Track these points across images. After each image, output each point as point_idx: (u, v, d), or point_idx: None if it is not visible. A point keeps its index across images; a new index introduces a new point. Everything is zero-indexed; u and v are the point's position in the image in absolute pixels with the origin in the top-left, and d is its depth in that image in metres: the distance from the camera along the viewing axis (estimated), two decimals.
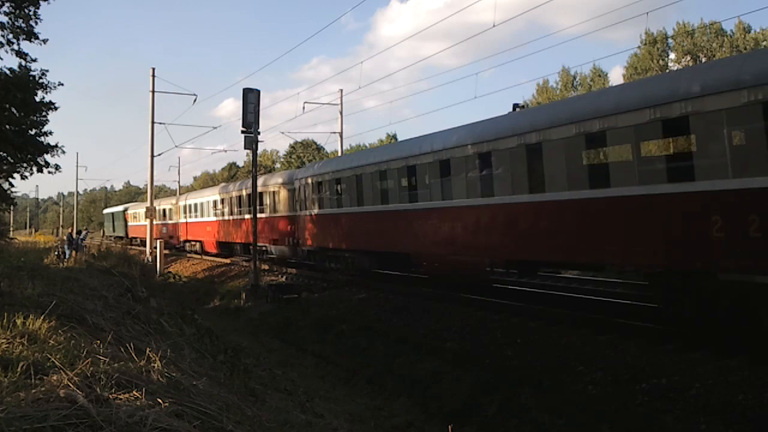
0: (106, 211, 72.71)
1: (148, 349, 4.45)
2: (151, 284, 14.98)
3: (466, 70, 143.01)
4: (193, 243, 35.79)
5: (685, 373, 7.39)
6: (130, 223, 52.73)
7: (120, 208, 61.03)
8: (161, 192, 75.04)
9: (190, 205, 36.15)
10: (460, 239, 13.30)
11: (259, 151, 20.76)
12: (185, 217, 36.77)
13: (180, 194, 52.25)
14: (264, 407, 5.07)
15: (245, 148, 19.23)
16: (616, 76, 59.41)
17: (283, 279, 21.47)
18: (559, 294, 13.21)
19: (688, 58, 47.41)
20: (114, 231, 60.07)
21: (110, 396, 3.27)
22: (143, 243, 44.59)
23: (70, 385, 3.26)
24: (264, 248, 24.68)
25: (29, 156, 23.34)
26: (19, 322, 4.94)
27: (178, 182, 60.78)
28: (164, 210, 41.92)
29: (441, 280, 15.19)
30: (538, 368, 8.65)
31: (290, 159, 75.30)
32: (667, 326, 9.13)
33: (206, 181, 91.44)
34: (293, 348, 12.75)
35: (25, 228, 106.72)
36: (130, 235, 52.26)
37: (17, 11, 20.71)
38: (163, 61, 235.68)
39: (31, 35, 21.32)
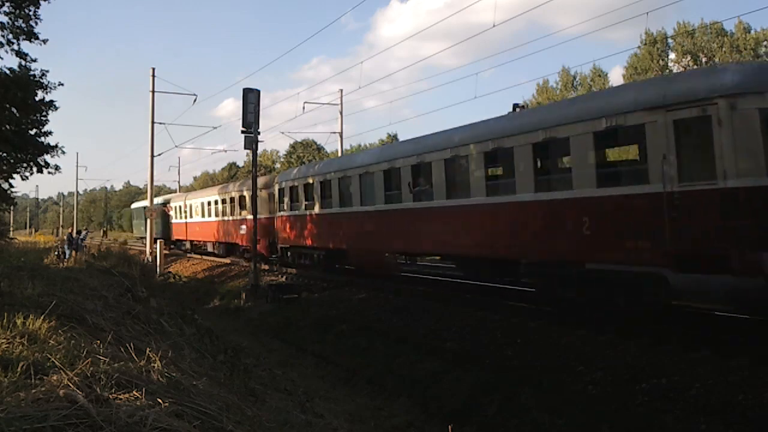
0: (135, 205, 56.09)
1: (148, 349, 4.45)
2: (151, 284, 14.97)
3: (466, 70, 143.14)
4: (306, 251, 20.98)
5: (685, 373, 7.39)
6: (176, 220, 38.84)
7: (157, 200, 45.86)
8: (161, 191, 74.17)
9: (303, 186, 20.77)
10: None
11: (259, 151, 20.69)
12: (289, 208, 22.12)
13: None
14: (264, 407, 5.07)
15: (245, 148, 19.25)
16: (616, 76, 59.47)
17: (283, 279, 21.45)
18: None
19: (689, 58, 47.43)
20: (146, 231, 47.31)
21: (110, 396, 3.27)
22: (196, 248, 34.81)
23: (70, 385, 3.26)
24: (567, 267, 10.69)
25: (29, 156, 23.38)
26: (19, 322, 4.94)
27: (178, 182, 60.84)
28: (239, 198, 26.99)
29: None
30: (538, 368, 8.65)
31: (290, 159, 75.41)
32: (667, 326, 9.13)
33: (206, 181, 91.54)
34: (293, 348, 12.75)
35: (25, 228, 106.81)
36: (174, 237, 38.88)
37: (17, 11, 20.74)
38: (163, 61, 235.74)
39: (31, 35, 21.35)
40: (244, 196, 25.90)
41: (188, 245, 36.47)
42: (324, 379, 10.33)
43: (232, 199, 28.10)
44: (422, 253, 16.78)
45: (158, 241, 29.33)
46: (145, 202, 45.29)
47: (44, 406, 2.99)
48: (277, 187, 23.23)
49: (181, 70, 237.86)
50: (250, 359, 8.58)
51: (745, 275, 7.84)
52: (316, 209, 19.71)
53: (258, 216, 23.00)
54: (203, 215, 32.66)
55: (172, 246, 38.86)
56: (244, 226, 25.70)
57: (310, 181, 20.30)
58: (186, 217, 36.08)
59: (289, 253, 22.53)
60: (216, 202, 30.50)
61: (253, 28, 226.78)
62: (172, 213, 38.90)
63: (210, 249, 32.47)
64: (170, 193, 54.12)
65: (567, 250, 10.38)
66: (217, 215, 30.24)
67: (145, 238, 41.25)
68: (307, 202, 20.55)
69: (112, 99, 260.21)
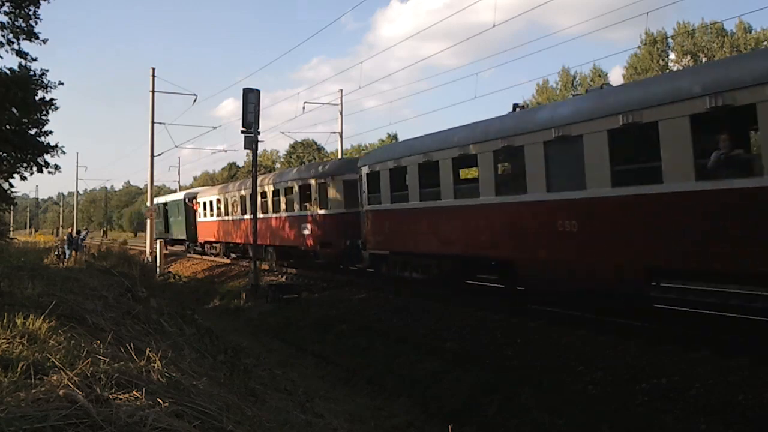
0: (158, 200, 44.25)
1: (148, 349, 4.45)
2: (151, 284, 14.94)
3: (466, 70, 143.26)
4: (419, 259, 14.98)
5: (685, 373, 7.39)
6: (204, 219, 32.26)
7: (178, 195, 39.14)
8: (161, 191, 74.09)
9: (417, 167, 14.49)
10: None
11: (259, 151, 20.66)
12: (388, 200, 15.88)
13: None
14: (264, 407, 5.07)
15: (245, 148, 19.25)
16: (616, 76, 59.51)
17: (283, 279, 21.45)
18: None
19: (689, 58, 47.45)
20: (167, 231, 38.62)
21: (110, 396, 3.27)
22: (229, 252, 28.88)
23: (70, 385, 3.26)
24: None
25: (29, 156, 23.38)
26: (19, 322, 4.94)
27: (178, 182, 60.87)
28: (299, 188, 21.37)
29: None
30: (538, 368, 8.65)
31: (290, 159, 75.43)
32: (667, 326, 9.13)
33: (206, 181, 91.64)
34: (293, 348, 12.75)
35: (25, 228, 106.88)
36: (202, 239, 32.98)
37: (17, 11, 20.75)
38: (163, 61, 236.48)
39: (31, 35, 21.36)
40: (308, 185, 20.75)
41: (220, 248, 30.12)
42: (324, 379, 10.32)
43: (287, 190, 22.46)
44: (720, 274, 8.89)
45: (158, 241, 29.22)
46: (163, 199, 40.92)
47: (44, 406, 2.99)
48: (364, 171, 16.96)
49: (181, 70, 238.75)
50: (250, 359, 8.57)
51: None
52: (446, 200, 13.48)
53: (329, 211, 19.76)
54: (243, 212, 26.16)
55: (196, 247, 34.11)
56: (307, 225, 20.66)
57: (433, 158, 13.82)
58: (220, 215, 29.45)
59: (385, 263, 16.42)
60: (263, 195, 24.34)
61: (253, 28, 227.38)
62: (200, 210, 32.68)
63: (250, 254, 25.63)
64: (170, 192, 51.64)
65: None
66: (265, 211, 24.11)
67: (177, 239, 36.63)
68: (423, 190, 14.29)
69: (112, 99, 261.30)
